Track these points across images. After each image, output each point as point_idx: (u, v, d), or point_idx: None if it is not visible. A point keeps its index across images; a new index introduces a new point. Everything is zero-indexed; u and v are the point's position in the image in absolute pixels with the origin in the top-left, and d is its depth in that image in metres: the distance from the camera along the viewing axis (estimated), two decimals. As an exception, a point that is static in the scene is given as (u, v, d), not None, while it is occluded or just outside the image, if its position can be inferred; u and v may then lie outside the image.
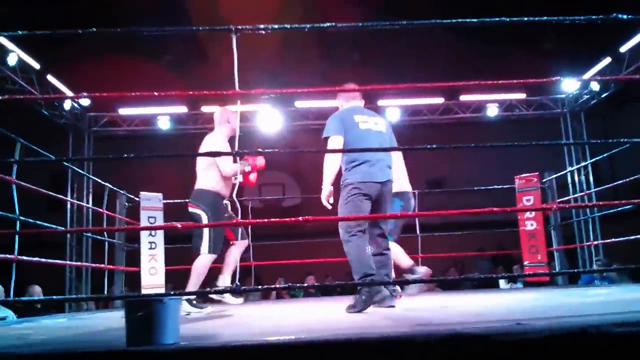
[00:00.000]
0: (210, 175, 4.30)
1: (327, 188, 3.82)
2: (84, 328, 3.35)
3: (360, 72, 10.02)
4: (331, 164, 3.79)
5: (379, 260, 3.81)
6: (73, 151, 9.26)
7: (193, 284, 4.16)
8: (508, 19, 2.42)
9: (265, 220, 2.89)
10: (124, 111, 9.67)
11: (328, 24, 2.31)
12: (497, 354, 1.74)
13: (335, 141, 3.79)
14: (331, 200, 3.85)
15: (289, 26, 2.35)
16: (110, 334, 2.62)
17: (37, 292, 5.95)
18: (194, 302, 4.24)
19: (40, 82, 7.99)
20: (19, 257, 4.14)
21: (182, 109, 9.72)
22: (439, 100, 9.77)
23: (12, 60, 7.28)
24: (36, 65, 7.85)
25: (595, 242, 8.52)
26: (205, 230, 4.17)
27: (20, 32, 2.39)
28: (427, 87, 2.57)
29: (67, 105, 8.84)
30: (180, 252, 7.11)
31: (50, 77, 8.13)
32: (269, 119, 9.34)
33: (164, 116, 9.54)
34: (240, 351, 1.76)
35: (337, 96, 4.21)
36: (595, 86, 8.97)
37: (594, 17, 2.53)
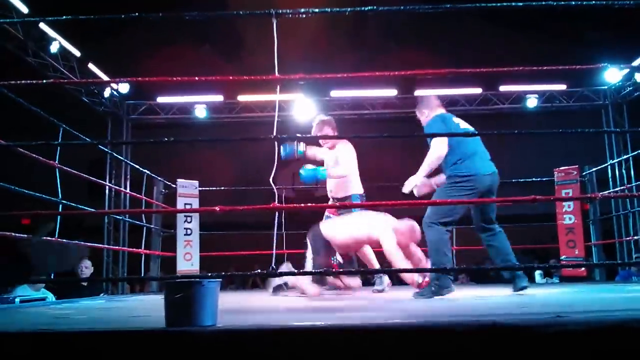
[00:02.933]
0: None
1: (419, 179, 3.89)
2: (123, 309, 3.42)
3: (396, 61, 9.94)
4: (435, 158, 3.85)
5: (491, 247, 3.95)
6: (112, 139, 9.44)
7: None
8: (554, 3, 2.36)
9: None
10: (162, 99, 9.80)
11: (369, 8, 2.29)
12: (537, 346, 1.72)
13: (440, 141, 3.85)
14: (422, 191, 3.94)
15: (329, 10, 2.33)
16: (149, 314, 2.67)
17: (87, 264, 6.06)
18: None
19: (81, 70, 8.14)
20: (60, 240, 4.24)
21: (218, 98, 9.79)
22: (477, 90, 9.61)
23: (54, 47, 7.43)
24: (77, 53, 8.00)
25: (635, 238, 8.30)
26: None
27: (64, 17, 2.43)
28: (466, 73, 2.53)
29: (107, 93, 8.99)
30: (214, 238, 7.22)
31: (91, 66, 8.28)
32: (304, 108, 9.32)
33: (200, 105, 9.62)
34: (276, 333, 1.78)
35: (420, 107, 4.23)
36: (639, 77, 8.70)
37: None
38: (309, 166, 4.72)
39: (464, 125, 4.06)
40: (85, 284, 5.80)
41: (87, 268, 6.07)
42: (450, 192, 3.80)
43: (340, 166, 4.74)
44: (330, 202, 4.93)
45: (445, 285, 3.68)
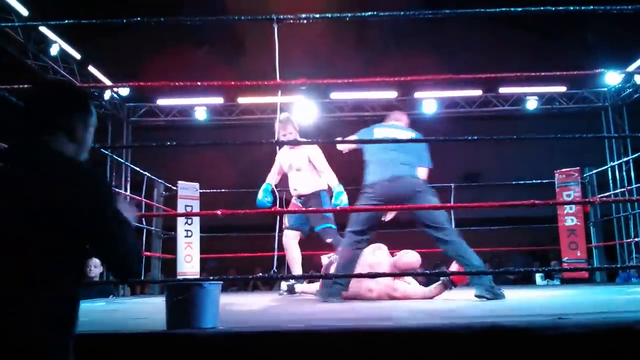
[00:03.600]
0: None
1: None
2: (124, 311, 3.42)
3: (397, 63, 9.93)
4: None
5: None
6: (112, 141, 9.43)
7: None
8: (552, 9, 2.36)
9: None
10: (162, 102, 9.79)
11: (369, 13, 2.29)
12: (538, 348, 1.72)
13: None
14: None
15: (330, 15, 2.34)
16: (150, 317, 2.67)
17: (95, 263, 6.05)
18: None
19: (81, 73, 8.14)
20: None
21: (218, 100, 9.79)
22: (477, 92, 9.60)
23: (54, 50, 7.43)
24: (77, 56, 8.01)
25: (636, 239, 8.29)
26: None
27: (66, 21, 2.43)
28: (467, 78, 2.53)
29: (107, 95, 8.99)
30: (214, 240, 7.21)
31: (91, 68, 8.28)
32: (305, 110, 9.30)
33: (201, 107, 9.62)
34: (275, 336, 1.78)
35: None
36: (638, 79, 8.68)
37: (642, 5, 2.45)
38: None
39: (391, 134, 3.98)
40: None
41: (95, 267, 6.05)
42: (359, 202, 3.92)
43: (328, 172, 4.71)
44: (294, 200, 4.90)
45: (333, 294, 3.76)
